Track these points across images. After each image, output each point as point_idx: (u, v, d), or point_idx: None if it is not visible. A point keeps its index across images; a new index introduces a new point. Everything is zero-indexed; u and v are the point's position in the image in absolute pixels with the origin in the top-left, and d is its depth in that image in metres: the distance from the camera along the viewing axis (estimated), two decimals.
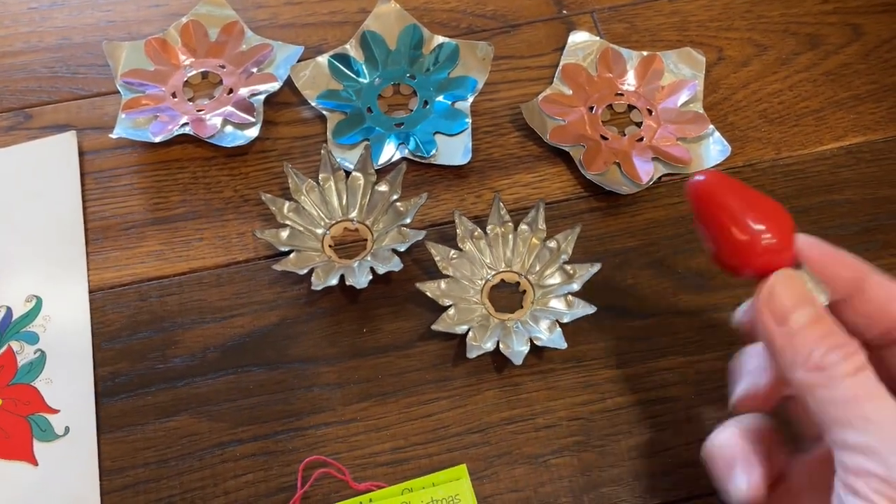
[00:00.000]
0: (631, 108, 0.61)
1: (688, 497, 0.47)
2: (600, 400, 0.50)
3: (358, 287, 0.51)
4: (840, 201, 0.57)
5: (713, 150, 0.59)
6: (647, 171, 0.57)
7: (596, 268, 0.51)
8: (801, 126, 0.61)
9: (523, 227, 0.54)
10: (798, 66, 0.64)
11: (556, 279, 0.53)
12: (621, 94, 0.62)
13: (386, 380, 0.51)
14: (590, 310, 0.50)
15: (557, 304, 0.52)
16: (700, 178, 0.37)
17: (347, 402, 0.51)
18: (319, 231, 0.55)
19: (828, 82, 0.63)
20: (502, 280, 0.54)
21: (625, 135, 0.60)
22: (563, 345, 0.49)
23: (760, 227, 0.35)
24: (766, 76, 0.63)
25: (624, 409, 0.50)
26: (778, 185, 0.58)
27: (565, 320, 0.50)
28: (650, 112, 0.61)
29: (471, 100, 0.60)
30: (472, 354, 0.49)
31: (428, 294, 0.51)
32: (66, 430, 0.50)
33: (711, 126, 0.60)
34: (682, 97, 0.61)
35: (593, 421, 0.50)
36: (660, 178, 0.58)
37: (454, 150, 0.59)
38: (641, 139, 0.59)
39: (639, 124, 0.60)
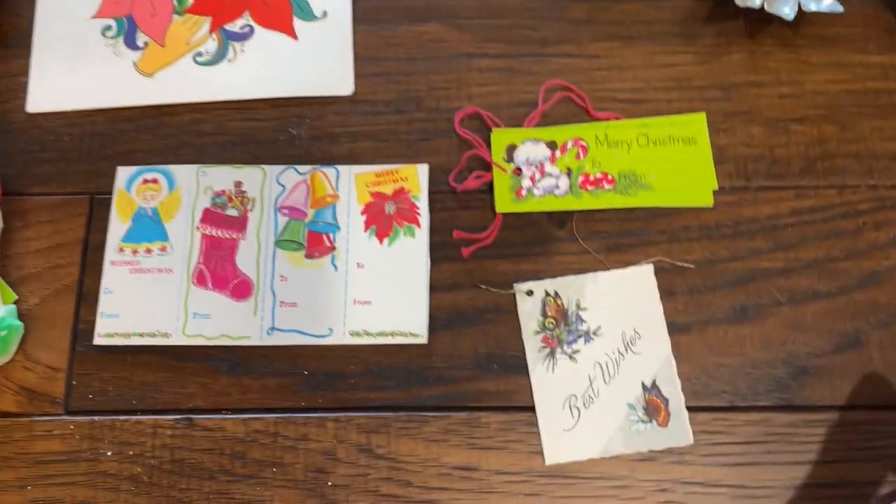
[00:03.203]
0: None
1: None
2: (849, 81, 0.50)
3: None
4: None
5: None
6: None
7: None
8: None
9: None
10: None
11: None
12: None
13: (634, 26, 0.51)
14: None
15: None
16: None
17: (593, 38, 0.51)
18: None
19: None
20: None
21: None
22: (839, 9, 0.47)
23: None
24: None
25: (873, 94, 0.49)
26: None
27: None
28: None
29: None
30: (743, 4, 0.48)
31: None
32: (324, 13, 0.52)
33: None
34: None
35: (839, 99, 0.49)
36: None
37: None
38: None
39: None
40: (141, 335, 0.45)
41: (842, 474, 0.43)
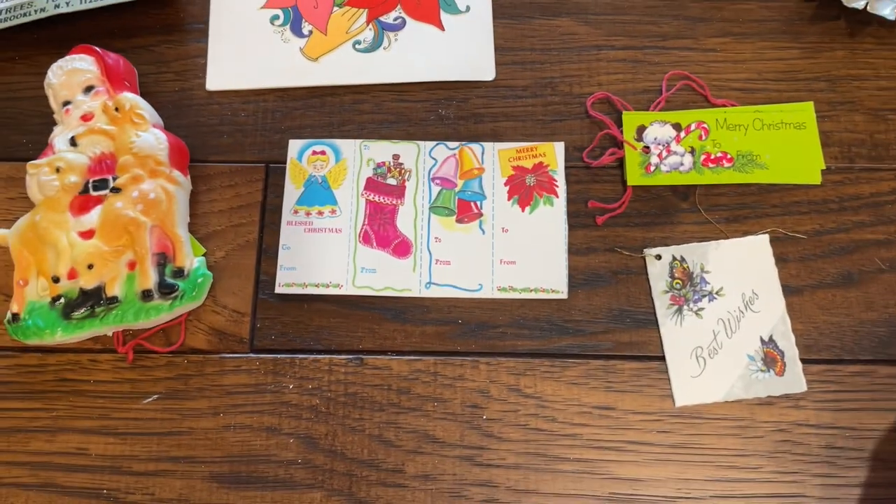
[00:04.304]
0: None
1: None
2: None
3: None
4: None
5: None
6: None
7: None
8: None
9: None
10: None
11: None
12: None
13: (746, 23, 0.57)
14: None
15: None
16: None
17: (709, 34, 0.57)
18: None
19: None
20: None
21: None
22: None
23: None
24: None
25: None
26: None
27: None
28: None
29: None
30: (849, 4, 0.54)
31: None
32: (468, 7, 0.58)
33: None
34: None
35: None
36: None
37: None
38: None
39: None
40: (316, 286, 0.51)
41: None
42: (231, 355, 0.50)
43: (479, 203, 0.53)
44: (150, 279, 0.49)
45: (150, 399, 0.50)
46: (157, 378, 0.50)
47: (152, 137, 0.51)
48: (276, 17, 0.58)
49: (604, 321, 0.51)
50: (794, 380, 0.49)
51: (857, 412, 0.48)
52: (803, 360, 0.49)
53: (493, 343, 0.50)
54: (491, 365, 0.50)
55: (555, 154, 0.54)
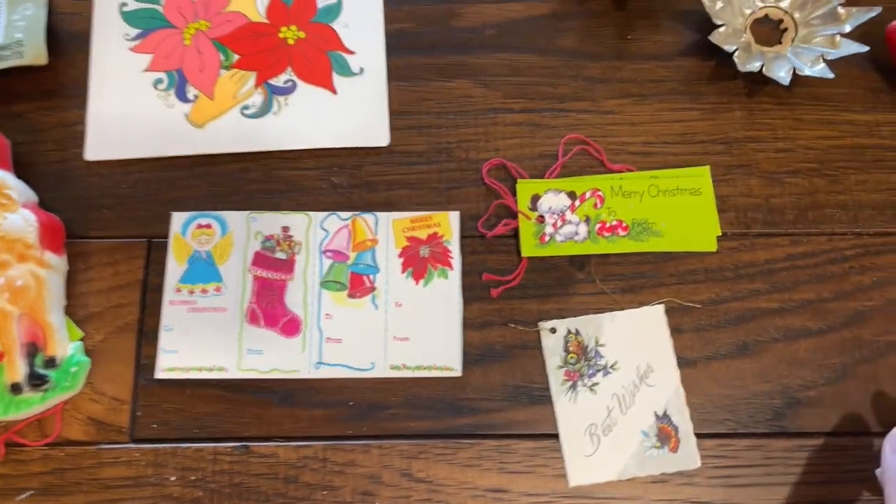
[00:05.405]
0: None
1: None
2: (838, 137, 0.55)
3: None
4: None
5: None
6: None
7: (875, 12, 0.54)
8: None
9: None
10: None
11: (825, 20, 0.56)
12: None
13: (644, 84, 0.56)
14: (861, 48, 0.53)
15: (823, 43, 0.55)
16: None
17: (607, 96, 0.56)
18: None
19: None
20: (766, 15, 0.57)
21: None
22: (830, 75, 0.53)
23: None
24: None
25: (860, 150, 0.55)
26: None
27: (830, 58, 0.54)
28: None
29: None
30: (743, 69, 0.53)
31: (705, 3, 0.55)
32: (361, 70, 0.56)
33: None
34: None
35: (828, 154, 0.55)
36: None
37: None
38: None
39: None
40: (199, 370, 0.49)
41: (829, 494, 0.48)
42: (110, 446, 0.48)
43: (372, 277, 0.52)
44: (19, 371, 0.47)
45: (23, 496, 0.47)
46: (31, 473, 0.47)
47: (20, 219, 0.48)
48: (160, 80, 0.55)
49: (498, 399, 0.49)
50: (688, 456, 0.48)
51: (750, 488, 0.48)
52: (697, 435, 0.49)
53: (385, 425, 0.49)
54: (383, 448, 0.48)
55: (450, 224, 0.53)
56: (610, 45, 0.57)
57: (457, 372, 0.50)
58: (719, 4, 0.56)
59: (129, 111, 0.54)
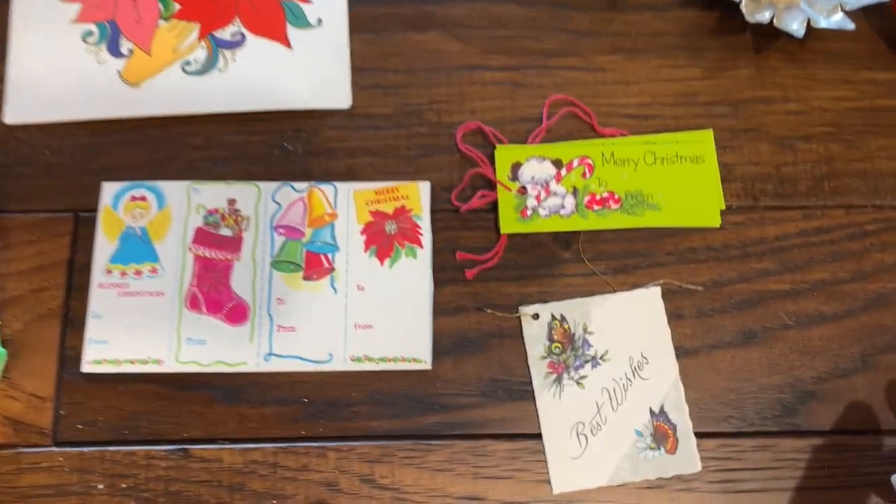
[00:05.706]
0: None
1: None
2: (856, 98, 0.49)
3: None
4: None
5: None
6: None
7: None
8: None
9: None
10: None
11: None
12: None
13: (640, 38, 0.50)
14: None
15: None
16: None
17: (598, 51, 0.50)
18: None
19: None
20: None
21: None
22: (849, 26, 0.47)
23: None
24: None
25: (880, 112, 0.49)
26: None
27: (848, 8, 0.48)
28: None
29: None
30: (751, 20, 0.47)
31: None
32: (319, 21, 0.49)
33: None
34: None
35: (845, 116, 0.49)
36: None
37: None
38: None
39: None
40: (132, 362, 0.43)
41: (845, 500, 0.43)
42: (29, 450, 0.42)
43: (330, 256, 0.45)
44: None
45: None
46: None
47: None
48: (90, 33, 0.49)
49: (473, 394, 0.44)
50: (688, 458, 0.43)
51: (756, 494, 0.42)
52: (697, 435, 0.43)
53: (344, 425, 0.43)
54: (341, 451, 0.43)
55: (419, 196, 0.47)
56: None
57: (426, 364, 0.44)
58: None
59: (54, 68, 0.48)
